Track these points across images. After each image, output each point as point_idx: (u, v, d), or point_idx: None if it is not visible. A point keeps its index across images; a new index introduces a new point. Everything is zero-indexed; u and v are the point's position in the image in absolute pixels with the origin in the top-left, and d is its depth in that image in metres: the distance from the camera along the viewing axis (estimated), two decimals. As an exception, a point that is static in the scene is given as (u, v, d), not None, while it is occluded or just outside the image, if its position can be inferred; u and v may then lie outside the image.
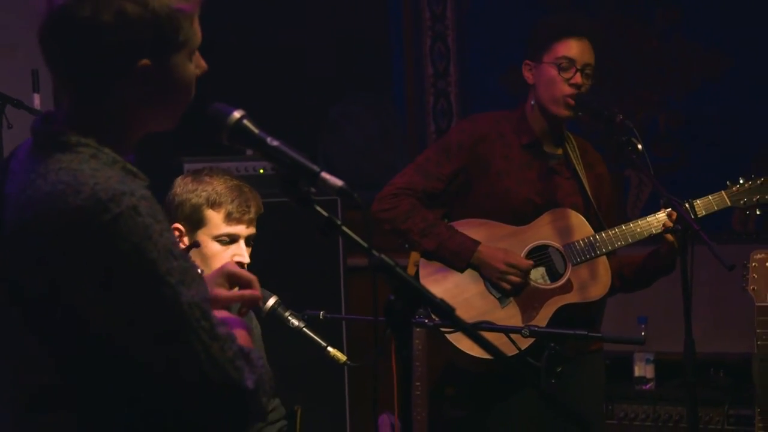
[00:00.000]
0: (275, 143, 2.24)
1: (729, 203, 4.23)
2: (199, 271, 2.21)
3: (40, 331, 2.10)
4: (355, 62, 6.86)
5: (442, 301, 2.17)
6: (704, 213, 4.21)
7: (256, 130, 2.26)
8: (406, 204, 4.33)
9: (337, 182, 2.19)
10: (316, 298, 5.10)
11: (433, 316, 3.35)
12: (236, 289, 2.44)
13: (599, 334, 3.36)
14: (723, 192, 4.25)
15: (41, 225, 2.04)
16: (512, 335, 3.40)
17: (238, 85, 6.88)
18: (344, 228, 2.22)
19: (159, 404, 2.11)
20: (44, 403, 2.13)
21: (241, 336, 2.22)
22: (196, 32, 2.24)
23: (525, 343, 3.79)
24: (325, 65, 6.85)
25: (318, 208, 2.22)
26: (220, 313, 2.25)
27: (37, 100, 4.87)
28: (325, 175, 2.20)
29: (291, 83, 6.83)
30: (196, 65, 2.27)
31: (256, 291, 2.42)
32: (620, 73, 6.26)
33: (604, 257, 4.29)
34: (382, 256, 2.19)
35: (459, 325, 2.23)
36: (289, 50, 6.87)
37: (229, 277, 2.43)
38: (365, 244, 2.20)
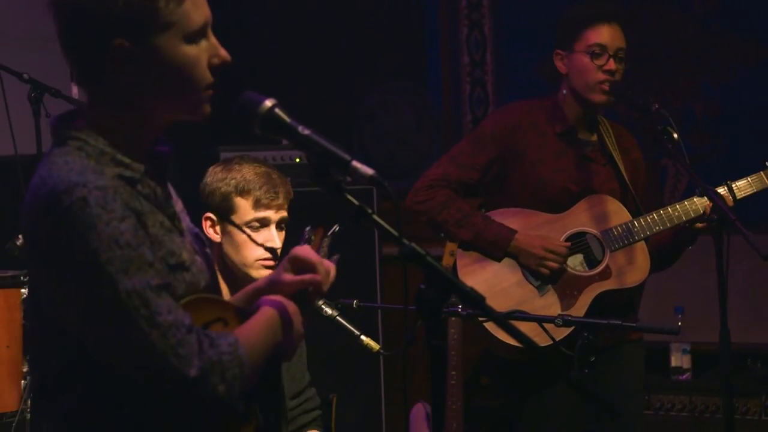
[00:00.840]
0: (307, 132, 2.24)
1: None
2: (193, 259, 2.28)
3: (38, 316, 2.25)
4: (390, 51, 6.86)
5: (472, 290, 2.16)
6: (743, 195, 4.18)
7: (287, 119, 2.26)
8: (441, 195, 4.32)
9: (368, 171, 2.18)
10: (351, 286, 5.10)
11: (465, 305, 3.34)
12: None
13: (633, 324, 3.34)
14: (762, 173, 4.22)
15: (24, 215, 2.18)
16: (548, 324, 3.39)
17: (273, 73, 6.91)
18: (375, 217, 2.21)
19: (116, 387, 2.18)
20: (45, 389, 2.27)
21: (263, 320, 2.32)
22: (187, 14, 2.22)
23: (562, 333, 3.78)
24: (361, 54, 6.85)
25: (349, 197, 2.21)
26: (274, 298, 2.37)
27: (75, 90, 4.90)
28: (356, 163, 2.19)
29: (327, 72, 6.83)
30: (212, 53, 2.27)
31: (318, 275, 2.42)
32: (657, 61, 6.22)
33: (642, 243, 4.26)
34: (413, 245, 2.18)
35: (490, 314, 2.23)
36: (325, 39, 6.87)
37: (294, 262, 2.45)
38: (396, 233, 2.20)
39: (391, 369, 6.03)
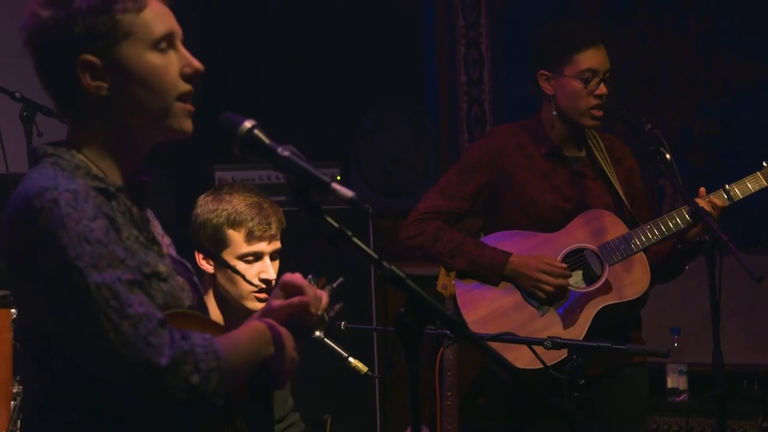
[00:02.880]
0: (286, 153, 2.24)
1: (765, 183, 4.18)
2: (171, 274, 2.29)
3: (27, 335, 2.33)
4: (388, 69, 6.85)
5: (452, 314, 2.16)
6: (740, 197, 4.16)
7: (267, 140, 2.25)
8: (432, 228, 4.30)
9: (348, 193, 2.18)
10: (348, 306, 5.08)
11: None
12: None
13: (623, 347, 3.31)
14: (758, 173, 4.20)
15: (1, 229, 2.25)
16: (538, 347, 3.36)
17: (270, 91, 6.90)
18: (355, 239, 2.21)
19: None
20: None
21: (252, 337, 2.32)
22: (147, 23, 2.27)
23: (558, 355, 3.75)
24: (357, 72, 6.84)
25: (329, 219, 2.22)
26: (264, 319, 2.38)
27: (68, 108, 4.89)
28: (335, 185, 2.19)
29: (324, 90, 6.82)
30: (183, 63, 2.30)
31: (305, 297, 2.42)
32: (655, 80, 6.21)
33: (641, 254, 4.22)
34: (393, 267, 2.18)
35: (470, 338, 2.21)
36: (322, 57, 6.87)
37: (284, 287, 2.46)
38: (375, 256, 2.19)
39: (387, 390, 6.00)
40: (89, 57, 2.24)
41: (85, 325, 2.15)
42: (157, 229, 2.43)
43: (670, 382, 5.65)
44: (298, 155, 2.23)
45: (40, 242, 2.15)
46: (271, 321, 2.39)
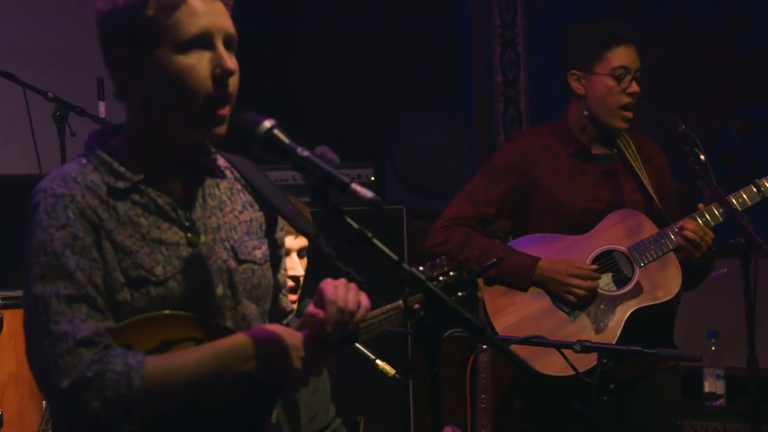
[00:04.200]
0: (306, 153, 2.21)
1: None
2: (177, 274, 2.27)
3: None
4: (424, 70, 6.83)
5: (472, 317, 2.12)
6: None
7: (286, 140, 2.23)
8: (459, 234, 4.27)
9: (368, 194, 2.16)
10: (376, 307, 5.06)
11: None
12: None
13: (653, 351, 3.26)
14: None
15: None
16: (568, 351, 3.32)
17: (306, 92, 6.90)
18: (375, 241, 2.18)
19: None
20: None
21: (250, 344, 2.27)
22: (178, 24, 2.26)
23: (589, 359, 3.69)
24: (393, 73, 6.83)
25: (348, 220, 2.19)
26: (269, 327, 2.34)
27: (102, 108, 4.91)
28: (355, 186, 2.17)
29: (360, 91, 6.82)
30: (215, 64, 2.28)
31: (320, 313, 2.33)
32: (693, 81, 6.16)
33: (672, 254, 4.15)
34: (413, 269, 2.15)
35: (491, 341, 2.18)
36: (358, 58, 6.86)
37: (317, 294, 2.38)
38: (396, 258, 2.16)
39: (420, 390, 5.97)
40: (121, 53, 2.29)
41: (25, 331, 2.23)
42: (228, 206, 2.42)
43: (708, 387, 5.60)
44: (316, 156, 2.20)
45: (27, 240, 2.25)
46: (280, 330, 2.32)
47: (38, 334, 2.18)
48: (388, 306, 2.56)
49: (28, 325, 2.21)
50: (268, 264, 2.47)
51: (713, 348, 5.55)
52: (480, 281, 4.29)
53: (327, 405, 3.72)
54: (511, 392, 5.85)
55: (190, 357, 2.25)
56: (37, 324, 2.18)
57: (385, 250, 2.17)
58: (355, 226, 2.18)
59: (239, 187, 2.46)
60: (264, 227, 2.48)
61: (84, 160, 2.31)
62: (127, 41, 2.28)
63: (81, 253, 2.21)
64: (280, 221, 2.53)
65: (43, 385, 2.20)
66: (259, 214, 2.47)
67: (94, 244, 2.23)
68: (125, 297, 2.24)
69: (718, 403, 5.59)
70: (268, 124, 2.22)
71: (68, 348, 2.15)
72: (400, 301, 2.76)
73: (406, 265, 2.15)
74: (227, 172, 2.46)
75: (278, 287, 2.54)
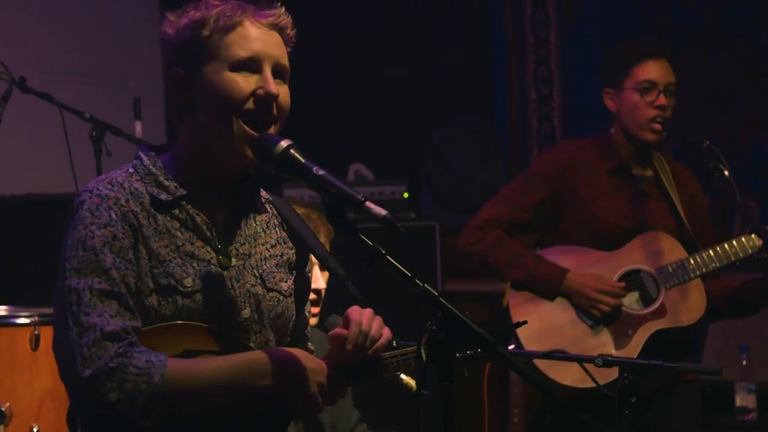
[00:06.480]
0: (321, 172, 2.26)
1: None
2: (204, 288, 2.34)
3: None
4: (458, 87, 6.87)
5: (484, 332, 2.16)
6: None
7: (302, 160, 2.28)
8: (492, 236, 4.30)
9: (381, 212, 2.19)
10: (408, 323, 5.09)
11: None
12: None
13: (674, 365, 3.28)
14: None
15: None
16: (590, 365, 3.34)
17: (341, 110, 6.95)
18: (389, 258, 2.22)
19: None
20: None
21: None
22: (230, 45, 2.38)
23: (610, 374, 3.71)
24: (428, 90, 6.87)
25: (363, 237, 2.23)
26: (292, 350, 2.44)
27: (138, 128, 4.98)
28: (369, 204, 2.21)
29: (394, 107, 6.86)
30: (259, 85, 2.37)
31: (341, 331, 2.48)
32: (725, 96, 6.15)
33: (699, 280, 4.19)
34: (426, 286, 2.19)
35: (503, 356, 2.21)
36: (393, 74, 6.90)
37: (344, 319, 2.52)
38: (409, 275, 2.20)
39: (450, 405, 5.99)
40: (177, 69, 2.41)
41: (55, 320, 2.31)
42: (262, 238, 2.52)
43: (739, 401, 5.57)
44: (332, 174, 2.25)
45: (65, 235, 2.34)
46: (299, 353, 2.43)
47: (67, 324, 2.25)
48: (408, 348, 2.63)
49: (58, 315, 2.29)
50: (293, 298, 2.55)
51: (744, 362, 5.53)
52: (507, 285, 4.32)
53: (349, 411, 3.75)
54: (543, 405, 5.86)
55: (209, 364, 2.32)
56: (67, 314, 2.25)
57: (400, 267, 2.21)
58: (369, 243, 2.22)
59: (276, 222, 2.56)
60: (294, 265, 2.58)
61: (131, 170, 2.41)
62: (183, 58, 2.40)
63: (118, 253, 2.30)
64: (310, 263, 2.64)
65: (65, 372, 2.26)
66: (291, 252, 2.57)
67: (131, 247, 2.32)
68: (152, 303, 2.32)
69: (749, 417, 5.56)
70: (284, 143, 2.29)
71: (95, 339, 2.22)
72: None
73: (419, 282, 2.19)
74: (267, 207, 2.56)
75: (302, 324, 2.65)
